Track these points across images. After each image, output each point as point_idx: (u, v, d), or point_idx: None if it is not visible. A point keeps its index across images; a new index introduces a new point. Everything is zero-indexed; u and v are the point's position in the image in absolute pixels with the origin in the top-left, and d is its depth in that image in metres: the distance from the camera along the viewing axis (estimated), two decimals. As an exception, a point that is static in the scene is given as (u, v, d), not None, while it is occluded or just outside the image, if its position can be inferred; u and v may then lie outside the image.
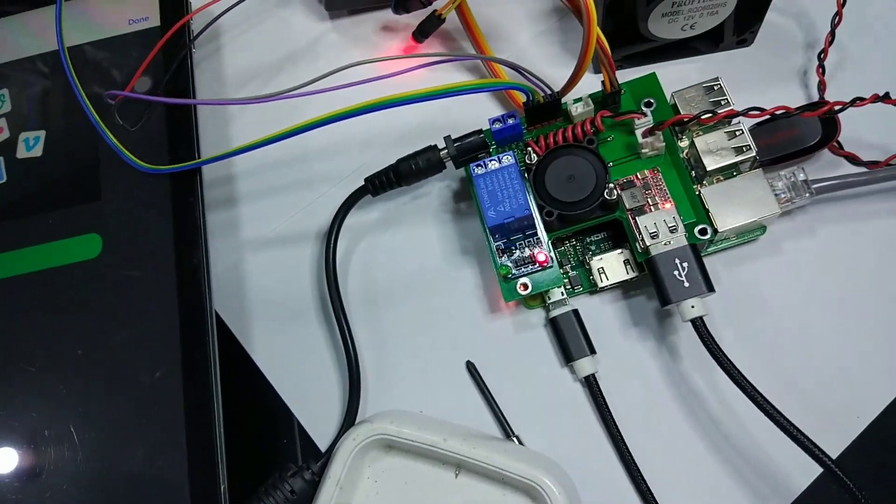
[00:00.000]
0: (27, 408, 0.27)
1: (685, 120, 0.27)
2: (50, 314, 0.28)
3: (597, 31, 0.26)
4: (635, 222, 0.27)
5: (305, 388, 0.30)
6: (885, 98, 0.27)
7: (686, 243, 0.27)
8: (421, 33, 0.32)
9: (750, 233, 0.29)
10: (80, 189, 0.29)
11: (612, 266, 0.29)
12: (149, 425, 0.26)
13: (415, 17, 0.32)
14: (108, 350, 0.27)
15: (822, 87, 0.31)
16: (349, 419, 0.28)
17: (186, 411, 0.26)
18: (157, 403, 0.26)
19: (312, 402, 0.29)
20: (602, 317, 0.29)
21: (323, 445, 0.29)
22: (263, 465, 0.29)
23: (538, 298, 0.29)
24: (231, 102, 0.30)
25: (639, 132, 0.28)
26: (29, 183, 0.30)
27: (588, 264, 0.29)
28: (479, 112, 0.32)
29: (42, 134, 0.31)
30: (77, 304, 0.28)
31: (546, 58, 0.33)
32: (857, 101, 0.26)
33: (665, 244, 0.27)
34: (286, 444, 0.29)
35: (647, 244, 0.27)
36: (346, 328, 0.29)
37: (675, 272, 0.26)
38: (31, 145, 0.31)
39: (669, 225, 0.27)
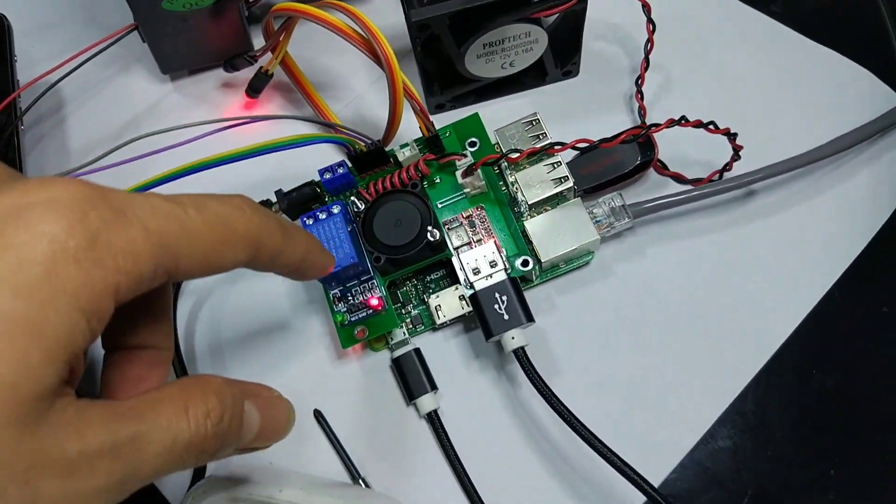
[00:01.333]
0: None
1: (491, 160, 0.28)
2: None
3: (401, 77, 0.27)
4: (460, 260, 0.28)
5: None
6: (683, 122, 0.28)
7: (505, 277, 0.28)
8: (253, 89, 0.33)
9: (579, 259, 0.30)
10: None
11: (448, 303, 0.29)
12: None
13: (248, 73, 0.33)
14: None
15: (642, 111, 0.32)
16: (197, 475, 0.28)
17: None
18: None
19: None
20: (445, 352, 0.30)
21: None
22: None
23: (382, 340, 0.30)
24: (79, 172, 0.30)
25: (458, 173, 0.29)
26: None
27: (427, 303, 0.30)
28: (314, 162, 0.33)
29: None
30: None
31: (382, 104, 0.34)
32: (652, 128, 0.27)
33: (486, 279, 0.28)
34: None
35: (472, 280, 0.28)
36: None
37: (496, 306, 0.27)
38: None
39: (490, 260, 0.28)
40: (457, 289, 0.30)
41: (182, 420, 0.17)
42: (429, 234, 0.28)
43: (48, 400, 0.14)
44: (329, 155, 0.33)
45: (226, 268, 0.18)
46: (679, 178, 0.31)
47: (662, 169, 0.31)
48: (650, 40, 0.31)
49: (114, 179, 0.21)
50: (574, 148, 0.27)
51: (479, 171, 0.29)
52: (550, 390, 0.26)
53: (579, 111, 0.33)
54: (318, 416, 0.30)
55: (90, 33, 0.36)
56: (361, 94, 0.34)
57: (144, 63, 0.35)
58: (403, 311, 0.30)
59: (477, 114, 0.31)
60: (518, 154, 0.28)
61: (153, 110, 0.35)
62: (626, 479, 0.25)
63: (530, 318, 0.27)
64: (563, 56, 0.32)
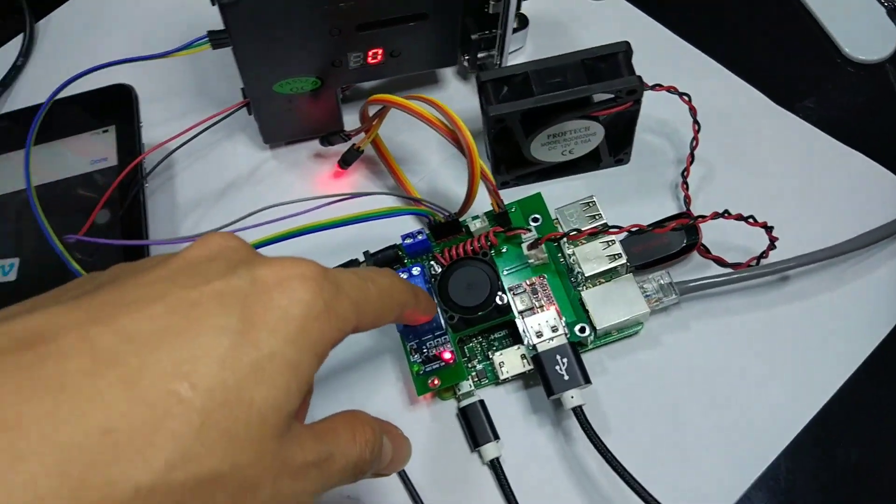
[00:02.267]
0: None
1: (555, 238, 0.32)
2: None
3: (479, 163, 0.31)
4: (524, 323, 0.32)
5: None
6: (726, 215, 0.32)
7: (566, 341, 0.31)
8: (344, 162, 0.37)
9: (629, 328, 0.34)
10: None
11: (511, 360, 0.33)
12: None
13: (341, 147, 0.38)
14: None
15: (687, 200, 0.36)
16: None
17: None
18: None
19: None
20: (506, 405, 0.33)
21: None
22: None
23: (450, 391, 0.33)
24: (164, 242, 0.34)
25: (524, 245, 0.33)
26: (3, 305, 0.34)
27: (491, 359, 0.33)
28: (397, 228, 0.37)
29: (16, 261, 0.35)
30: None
31: (455, 179, 0.38)
32: (699, 219, 0.31)
33: (548, 342, 0.31)
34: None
35: (534, 342, 0.31)
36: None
37: (557, 367, 0.31)
38: (7, 271, 0.35)
39: (551, 325, 0.31)
40: (518, 348, 0.33)
41: (353, 445, 0.21)
42: (498, 298, 0.32)
43: (292, 419, 0.19)
44: (405, 222, 0.37)
45: (385, 324, 0.24)
46: (720, 262, 0.35)
47: (705, 252, 0.35)
48: (695, 138, 0.35)
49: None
50: (630, 232, 0.31)
51: (542, 244, 0.33)
52: (606, 447, 0.29)
53: (629, 195, 0.37)
54: (390, 456, 0.33)
55: (201, 103, 0.41)
56: (435, 168, 0.39)
57: (248, 132, 0.40)
58: (469, 365, 0.33)
59: (539, 193, 0.35)
60: (579, 233, 0.32)
61: (253, 174, 0.39)
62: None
63: (588, 380, 0.31)
64: (616, 146, 0.36)
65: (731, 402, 0.32)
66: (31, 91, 0.43)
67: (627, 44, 0.33)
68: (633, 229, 0.31)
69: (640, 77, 0.32)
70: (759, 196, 0.36)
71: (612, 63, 0.33)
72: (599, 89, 0.32)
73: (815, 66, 0.41)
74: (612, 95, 0.33)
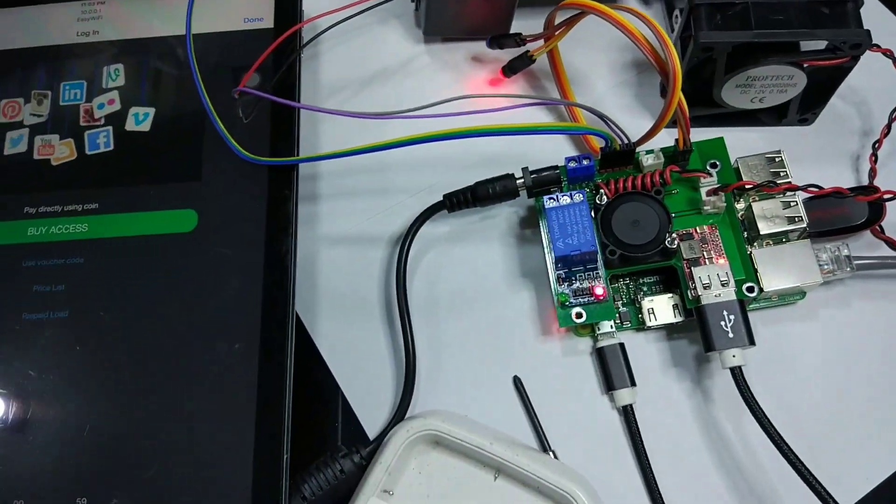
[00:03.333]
0: (102, 356, 0.29)
1: (748, 187, 0.29)
2: (141, 276, 0.30)
3: (680, 94, 0.28)
4: (690, 272, 0.30)
5: (361, 378, 0.32)
6: (934, 193, 0.29)
7: (735, 297, 0.29)
8: (511, 69, 0.35)
9: (791, 296, 0.31)
10: (183, 167, 0.32)
11: (661, 308, 0.31)
12: (222, 392, 0.28)
13: (504, 53, 0.35)
14: (192, 316, 0.29)
15: (872, 173, 0.33)
16: (400, 412, 0.30)
17: (259, 382, 0.28)
18: (233, 372, 0.28)
19: (366, 392, 0.32)
20: (645, 354, 0.32)
21: (371, 433, 0.31)
22: (315, 444, 0.31)
23: (588, 328, 0.32)
24: (343, 114, 0.31)
25: (703, 190, 0.30)
26: (135, 155, 0.32)
27: (639, 303, 0.31)
28: (552, 149, 0.34)
29: (151, 111, 0.33)
30: (169, 271, 0.30)
31: (621, 108, 0.36)
32: (906, 193, 0.29)
33: (716, 296, 0.29)
34: (337, 427, 0.31)
35: (699, 293, 0.29)
36: (408, 328, 0.31)
37: (722, 322, 0.29)
38: (141, 120, 0.33)
39: (721, 279, 0.29)
40: (671, 297, 0.31)
41: None
42: (668, 240, 0.30)
43: None
44: (558, 146, 0.35)
45: None
46: (893, 244, 0.33)
47: (879, 232, 0.33)
48: (897, 109, 0.33)
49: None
50: (828, 195, 0.29)
51: (724, 193, 0.30)
52: (762, 411, 0.27)
53: (806, 158, 0.34)
54: (518, 382, 0.31)
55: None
56: (601, 95, 0.36)
57: (403, 20, 0.37)
58: (613, 305, 0.32)
59: (722, 138, 0.32)
60: (774, 186, 0.29)
61: (404, 67, 0.37)
62: (818, 497, 0.26)
63: (752, 342, 0.29)
64: (809, 104, 0.33)
65: (884, 387, 0.31)
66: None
67: (861, -9, 0.30)
68: (834, 192, 0.28)
69: (868, 32, 0.29)
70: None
71: (839, 11, 0.30)
72: (824, 36, 0.29)
73: None
74: (827, 46, 0.30)
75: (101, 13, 0.35)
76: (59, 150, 0.33)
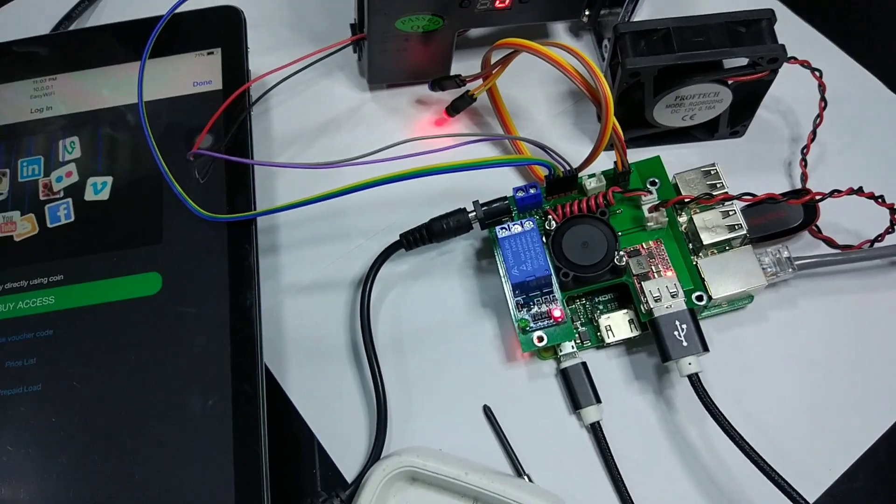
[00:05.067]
0: (78, 426, 0.29)
1: (686, 200, 0.31)
2: (111, 342, 0.30)
3: (613, 119, 0.30)
4: (641, 287, 0.31)
5: (335, 423, 0.32)
6: (859, 192, 0.31)
7: (685, 307, 0.30)
8: (454, 109, 0.36)
9: (739, 301, 0.33)
10: (143, 232, 0.33)
11: (618, 324, 0.32)
12: (199, 447, 0.28)
13: (447, 94, 0.37)
14: (164, 378, 0.30)
15: (804, 177, 0.35)
16: (376, 452, 0.31)
17: (234, 436, 0.28)
18: (208, 428, 0.29)
19: (340, 436, 0.32)
20: (607, 370, 0.33)
21: (349, 476, 0.31)
22: (294, 492, 0.31)
23: (550, 351, 0.33)
24: (297, 166, 0.33)
25: (645, 208, 0.32)
26: (95, 224, 0.33)
27: (597, 322, 0.33)
28: (500, 181, 0.36)
29: (109, 179, 0.34)
30: (138, 335, 0.30)
31: (561, 137, 0.37)
32: (835, 193, 0.30)
33: (667, 307, 0.30)
34: (315, 474, 0.32)
35: (651, 306, 0.31)
36: (376, 369, 0.32)
37: (675, 332, 0.30)
38: (99, 189, 0.34)
39: (671, 290, 0.31)
40: (626, 312, 0.33)
41: None
42: (616, 258, 0.31)
43: None
44: (505, 175, 0.36)
45: None
46: (830, 243, 0.34)
47: (817, 232, 0.34)
48: (820, 115, 0.35)
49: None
50: (762, 201, 0.30)
51: (664, 209, 0.32)
52: (722, 414, 0.29)
53: (740, 169, 0.36)
54: (488, 411, 0.32)
55: (299, 37, 0.40)
56: (541, 126, 0.38)
57: (346, 71, 0.39)
58: (572, 326, 0.33)
59: (659, 157, 0.34)
60: (710, 198, 0.31)
61: (352, 116, 0.38)
62: (784, 494, 0.27)
63: (706, 348, 0.30)
64: (737, 117, 0.35)
65: (832, 383, 0.32)
66: (114, 7, 0.41)
67: (772, 11, 0.32)
68: (767, 198, 0.30)
69: (783, 46, 0.31)
70: (875, 180, 0.36)
71: (754, 29, 0.32)
72: (743, 53, 0.31)
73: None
74: (747, 62, 0.32)
75: (53, 89, 0.36)
76: (21, 226, 0.33)
